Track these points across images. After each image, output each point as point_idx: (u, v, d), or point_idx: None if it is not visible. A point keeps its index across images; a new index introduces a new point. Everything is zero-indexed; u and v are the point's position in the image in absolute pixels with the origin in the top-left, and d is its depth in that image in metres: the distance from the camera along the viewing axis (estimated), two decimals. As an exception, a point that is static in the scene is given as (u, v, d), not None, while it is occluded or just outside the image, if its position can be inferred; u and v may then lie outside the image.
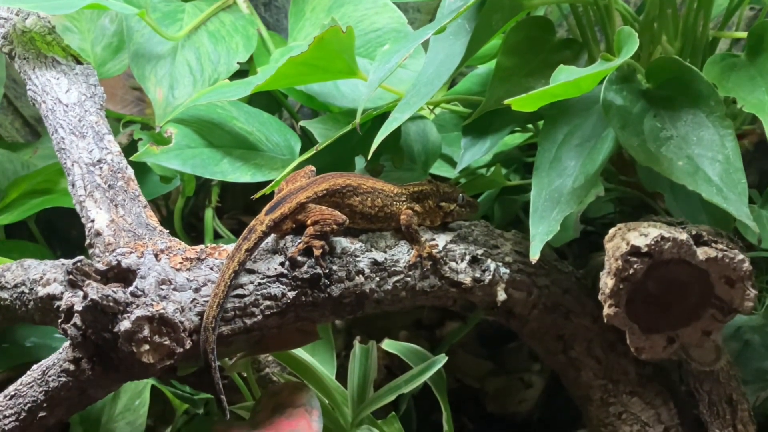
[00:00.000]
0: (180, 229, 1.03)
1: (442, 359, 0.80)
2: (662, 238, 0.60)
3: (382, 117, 0.92)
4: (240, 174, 0.84)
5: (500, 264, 0.80)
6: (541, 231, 0.71)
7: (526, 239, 0.85)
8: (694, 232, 0.63)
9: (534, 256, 0.70)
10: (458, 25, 0.80)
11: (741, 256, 0.61)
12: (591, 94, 0.77)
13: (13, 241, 1.08)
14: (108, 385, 0.71)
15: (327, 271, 0.71)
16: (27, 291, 0.78)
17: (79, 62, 0.86)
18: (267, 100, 1.11)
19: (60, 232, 1.19)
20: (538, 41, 0.86)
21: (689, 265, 0.62)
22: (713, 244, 0.62)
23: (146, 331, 0.64)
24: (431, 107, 0.96)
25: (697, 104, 0.68)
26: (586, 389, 0.85)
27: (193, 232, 1.21)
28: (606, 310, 0.64)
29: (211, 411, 0.93)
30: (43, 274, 0.77)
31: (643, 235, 0.61)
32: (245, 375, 0.86)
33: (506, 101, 0.61)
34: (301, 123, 0.97)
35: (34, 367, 0.73)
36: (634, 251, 0.61)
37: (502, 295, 0.79)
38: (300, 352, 0.84)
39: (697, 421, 0.84)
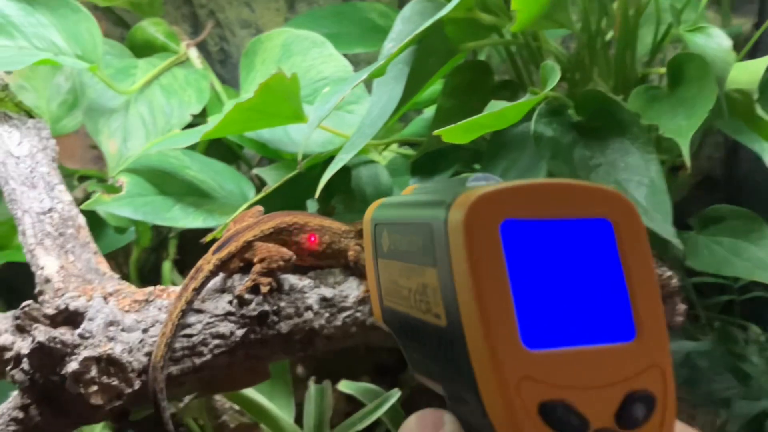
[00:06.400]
0: (137, 281, 1.03)
1: (395, 394, 0.81)
2: (592, 258, 0.63)
3: (331, 160, 0.95)
4: (191, 219, 0.86)
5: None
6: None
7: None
8: (624, 253, 0.65)
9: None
10: (399, 70, 0.83)
11: (669, 273, 0.64)
12: (527, 130, 0.80)
13: (-31, 299, 1.08)
14: (59, 431, 0.70)
15: (275, 307, 0.72)
16: (-22, 344, 0.78)
17: (31, 117, 0.88)
18: (223, 152, 1.14)
19: (17, 289, 1.19)
20: (477, 84, 0.90)
21: (621, 283, 0.64)
22: (643, 263, 0.64)
23: (94, 372, 0.64)
24: (381, 150, 0.99)
25: (623, 133, 0.71)
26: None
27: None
28: (543, 331, 0.65)
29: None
30: (-6, 326, 0.77)
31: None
32: (201, 423, 0.86)
33: (435, 132, 0.64)
34: (255, 171, 1.00)
35: (-17, 419, 0.72)
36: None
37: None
38: (257, 396, 0.84)
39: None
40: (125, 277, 1.15)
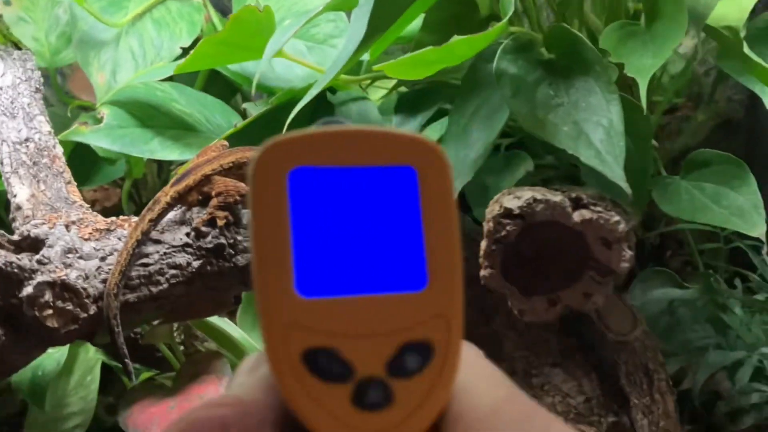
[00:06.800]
0: (129, 211, 1.06)
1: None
2: (534, 200, 0.61)
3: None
4: (168, 152, 0.87)
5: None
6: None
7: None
8: (573, 196, 0.63)
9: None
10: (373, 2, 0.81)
11: (617, 218, 0.61)
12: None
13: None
14: (25, 352, 0.74)
15: (231, 241, 0.73)
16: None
17: (18, 48, 0.90)
18: (222, 88, 1.14)
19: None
20: (461, 18, 0.87)
21: (565, 227, 0.62)
22: (591, 207, 0.62)
23: (48, 296, 0.67)
24: (366, 85, 0.98)
25: (588, 71, 0.68)
26: (510, 361, 0.85)
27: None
28: (482, 272, 0.64)
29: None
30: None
31: (517, 197, 0.62)
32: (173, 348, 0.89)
33: (376, 67, 0.63)
34: (244, 105, 1.00)
35: (-38, 335, 0.76)
36: (507, 213, 0.62)
37: (419, 267, 0.81)
38: (229, 327, 0.87)
39: (621, 393, 0.84)
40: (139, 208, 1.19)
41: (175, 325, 0.91)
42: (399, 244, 0.26)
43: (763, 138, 1.22)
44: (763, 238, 0.71)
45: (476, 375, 0.27)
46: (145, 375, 0.93)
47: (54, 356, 0.98)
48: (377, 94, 1.04)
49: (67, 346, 0.95)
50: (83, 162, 1.07)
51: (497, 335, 0.84)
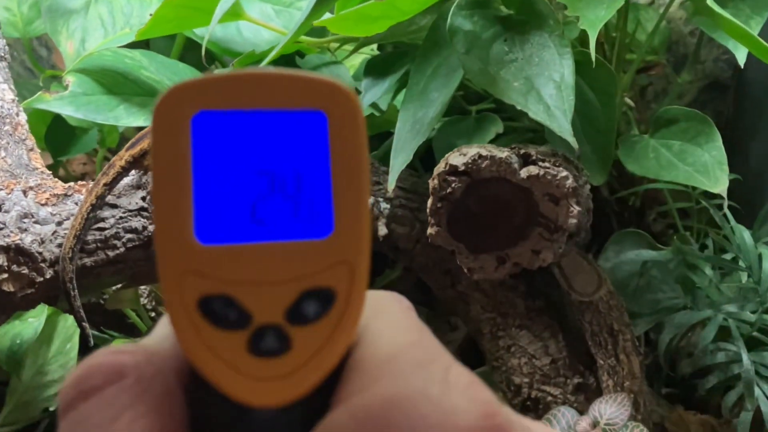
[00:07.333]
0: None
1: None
2: (480, 156, 0.60)
3: (284, 58, 0.94)
4: (133, 119, 0.87)
5: (381, 200, 0.80)
6: (399, 161, 0.72)
7: (412, 176, 0.86)
8: (522, 152, 0.62)
9: (390, 186, 0.71)
10: (334, -38, 0.80)
11: (564, 173, 0.60)
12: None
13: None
14: (-12, 316, 0.75)
15: (188, 204, 0.73)
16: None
17: (-16, 17, 0.90)
18: (199, 55, 1.14)
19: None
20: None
21: (512, 183, 0.61)
22: (539, 163, 0.61)
23: (2, 261, 0.67)
24: (335, 49, 0.97)
25: (542, 25, 0.67)
26: (477, 323, 0.85)
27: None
28: (429, 230, 0.64)
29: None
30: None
31: (462, 154, 0.61)
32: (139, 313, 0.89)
33: (317, 22, 0.62)
34: (215, 71, 0.99)
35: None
36: (452, 170, 0.61)
37: (383, 230, 0.80)
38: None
39: (587, 354, 0.83)
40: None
41: (146, 291, 0.92)
42: (305, 191, 0.25)
43: (751, 99, 1.19)
44: (725, 195, 0.70)
45: (386, 323, 0.27)
46: (119, 342, 0.94)
47: (33, 325, 0.99)
48: (349, 57, 1.03)
49: (45, 314, 0.96)
50: (61, 133, 1.07)
51: (465, 297, 0.84)
